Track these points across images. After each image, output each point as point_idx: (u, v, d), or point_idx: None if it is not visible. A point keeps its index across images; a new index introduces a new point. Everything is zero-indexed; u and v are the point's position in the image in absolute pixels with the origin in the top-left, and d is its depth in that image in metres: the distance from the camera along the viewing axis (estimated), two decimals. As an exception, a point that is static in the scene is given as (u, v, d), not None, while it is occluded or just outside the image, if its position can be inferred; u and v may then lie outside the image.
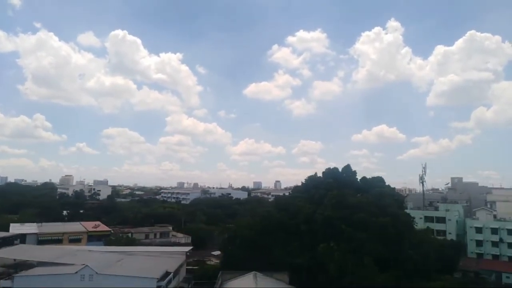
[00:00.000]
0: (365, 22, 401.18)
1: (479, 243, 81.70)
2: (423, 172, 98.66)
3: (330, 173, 50.54)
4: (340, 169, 51.72)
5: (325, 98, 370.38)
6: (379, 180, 51.55)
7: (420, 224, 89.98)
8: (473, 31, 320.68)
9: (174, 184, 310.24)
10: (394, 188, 55.47)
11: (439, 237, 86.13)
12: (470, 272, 75.16)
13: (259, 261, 41.93)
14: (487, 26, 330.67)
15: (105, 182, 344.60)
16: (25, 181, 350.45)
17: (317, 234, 41.07)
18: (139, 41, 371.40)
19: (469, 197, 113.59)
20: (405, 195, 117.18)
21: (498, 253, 78.96)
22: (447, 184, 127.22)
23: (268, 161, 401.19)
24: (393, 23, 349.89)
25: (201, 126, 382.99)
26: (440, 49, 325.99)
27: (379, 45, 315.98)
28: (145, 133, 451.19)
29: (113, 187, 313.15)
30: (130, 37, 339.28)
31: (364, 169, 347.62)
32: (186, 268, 53.52)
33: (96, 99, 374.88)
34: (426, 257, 67.42)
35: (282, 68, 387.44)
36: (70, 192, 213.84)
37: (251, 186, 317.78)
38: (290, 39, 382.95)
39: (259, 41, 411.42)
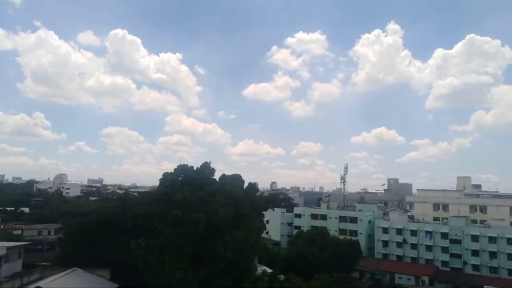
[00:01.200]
0: (365, 24, 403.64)
1: (385, 244, 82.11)
2: (345, 173, 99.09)
3: (181, 170, 50.54)
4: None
5: (325, 100, 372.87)
6: (236, 178, 51.56)
7: (335, 224, 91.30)
8: (472, 35, 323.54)
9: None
10: (254, 185, 55.35)
11: (351, 237, 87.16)
12: (367, 272, 75.70)
13: (88, 258, 42.05)
14: (487, 29, 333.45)
15: (99, 181, 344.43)
16: (20, 178, 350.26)
17: (139, 230, 41.14)
18: (139, 40, 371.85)
19: (401, 198, 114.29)
20: (327, 195, 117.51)
21: (402, 254, 79.42)
22: (383, 185, 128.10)
23: (268, 162, 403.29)
24: (392, 26, 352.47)
25: (200, 126, 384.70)
26: (439, 52, 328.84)
27: (379, 48, 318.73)
28: (145, 133, 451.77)
29: (104, 186, 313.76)
30: (130, 37, 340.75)
31: (363, 171, 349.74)
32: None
33: (96, 98, 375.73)
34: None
35: (281, 70, 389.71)
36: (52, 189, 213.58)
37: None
38: (290, 40, 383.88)
39: (258, 42, 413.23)
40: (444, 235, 74.95)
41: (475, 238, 72.00)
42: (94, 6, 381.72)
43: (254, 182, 55.99)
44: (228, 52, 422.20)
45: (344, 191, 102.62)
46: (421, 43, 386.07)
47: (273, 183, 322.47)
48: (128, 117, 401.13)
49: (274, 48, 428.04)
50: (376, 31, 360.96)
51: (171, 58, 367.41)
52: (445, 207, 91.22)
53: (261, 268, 65.56)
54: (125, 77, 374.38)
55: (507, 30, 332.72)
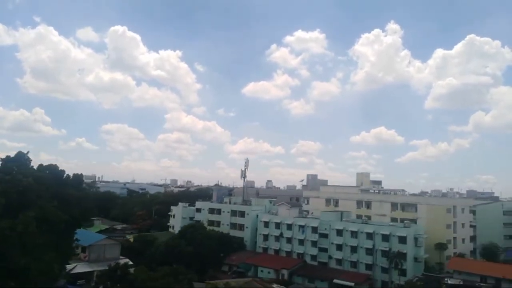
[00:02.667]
0: (365, 23, 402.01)
1: (266, 238, 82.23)
2: (245, 168, 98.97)
3: None
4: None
5: (324, 99, 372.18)
6: (53, 168, 51.03)
7: (227, 218, 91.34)
8: (472, 35, 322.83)
9: (172, 182, 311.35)
10: (79, 176, 54.60)
11: (240, 231, 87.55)
12: (234, 265, 75.75)
13: None
14: (487, 30, 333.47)
15: (93, 178, 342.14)
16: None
17: None
18: (138, 37, 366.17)
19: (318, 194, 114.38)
20: (231, 189, 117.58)
21: (279, 248, 79.55)
22: (301, 180, 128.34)
23: (267, 160, 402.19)
24: (392, 26, 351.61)
25: (200, 124, 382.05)
26: (439, 52, 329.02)
27: (378, 47, 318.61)
28: (144, 130, 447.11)
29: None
30: (130, 33, 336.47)
31: (362, 171, 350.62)
32: None
33: (95, 94, 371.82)
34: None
35: (280, 68, 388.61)
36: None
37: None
38: (289, 38, 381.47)
39: (258, 40, 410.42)
40: (314, 229, 75.18)
41: (339, 233, 72.32)
42: (94, 2, 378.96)
43: (80, 174, 55.21)
44: (228, 50, 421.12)
45: (244, 185, 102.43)
46: (421, 43, 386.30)
47: (269, 181, 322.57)
48: (128, 114, 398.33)
49: (274, 46, 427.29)
50: (376, 31, 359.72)
51: (171, 55, 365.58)
52: (336, 202, 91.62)
53: (124, 261, 65.66)
54: (125, 73, 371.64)
55: (508, 31, 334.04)
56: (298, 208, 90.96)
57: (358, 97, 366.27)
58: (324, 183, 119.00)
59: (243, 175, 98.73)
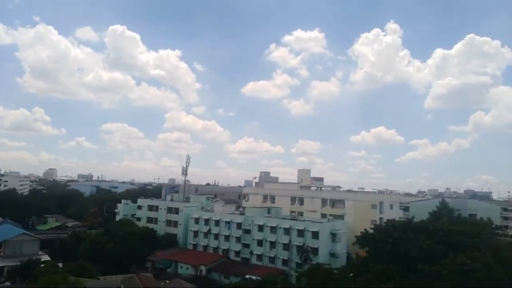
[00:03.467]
0: (364, 23, 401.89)
1: (196, 234, 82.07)
2: (187, 164, 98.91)
3: None
4: None
5: (324, 99, 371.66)
6: None
7: (163, 215, 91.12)
8: (472, 35, 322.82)
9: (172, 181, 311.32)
10: None
11: (175, 228, 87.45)
12: (157, 262, 75.55)
13: None
14: (487, 30, 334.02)
15: (89, 177, 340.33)
16: (18, 173, 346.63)
17: None
18: (138, 36, 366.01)
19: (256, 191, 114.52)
20: (174, 186, 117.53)
21: (207, 244, 79.41)
22: (254, 177, 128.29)
23: (267, 160, 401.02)
24: (392, 25, 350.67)
25: (199, 124, 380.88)
26: (439, 52, 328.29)
27: (378, 47, 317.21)
28: (144, 129, 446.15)
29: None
30: (129, 33, 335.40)
31: (363, 171, 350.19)
32: None
33: (95, 93, 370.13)
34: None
35: (280, 68, 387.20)
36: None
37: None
38: (288, 38, 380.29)
39: (257, 40, 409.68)
40: (239, 225, 75.16)
41: (261, 228, 72.33)
42: (93, 2, 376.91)
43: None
44: (227, 50, 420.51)
45: (185, 182, 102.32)
46: (420, 42, 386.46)
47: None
48: (128, 113, 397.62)
49: (273, 46, 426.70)
50: (376, 30, 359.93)
51: (170, 55, 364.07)
52: (273, 199, 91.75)
53: (40, 257, 65.46)
54: (124, 73, 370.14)
55: (507, 30, 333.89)
56: (235, 205, 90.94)
57: (357, 97, 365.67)
58: (275, 180, 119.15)
59: (184, 171, 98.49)
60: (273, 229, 70.74)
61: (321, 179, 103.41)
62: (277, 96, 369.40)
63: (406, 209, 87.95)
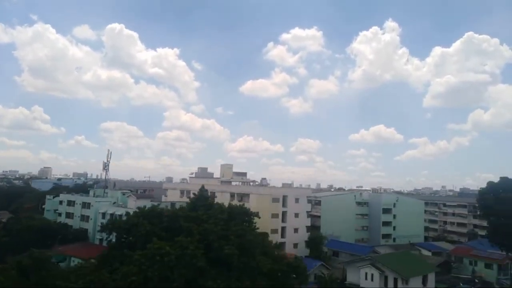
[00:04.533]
0: (362, 21, 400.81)
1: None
2: (108, 160, 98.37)
3: None
4: None
5: (322, 97, 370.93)
6: None
7: (79, 210, 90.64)
8: (471, 33, 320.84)
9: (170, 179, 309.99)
10: None
11: (87, 222, 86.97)
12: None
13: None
14: (486, 28, 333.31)
15: (84, 175, 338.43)
16: (17, 172, 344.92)
17: None
18: (136, 35, 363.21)
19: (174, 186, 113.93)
20: (96, 181, 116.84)
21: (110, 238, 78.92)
22: (192, 173, 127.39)
23: (267, 158, 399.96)
24: (390, 23, 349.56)
25: (199, 122, 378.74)
26: (437, 50, 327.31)
27: (376, 45, 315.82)
28: (143, 128, 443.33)
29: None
30: (127, 31, 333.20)
31: (363, 169, 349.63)
32: None
33: (93, 92, 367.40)
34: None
35: (278, 66, 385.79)
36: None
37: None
38: (286, 36, 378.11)
39: (255, 38, 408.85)
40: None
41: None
42: (90, 0, 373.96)
43: None
44: (225, 48, 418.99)
45: (106, 177, 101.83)
46: (419, 40, 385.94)
47: (263, 179, 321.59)
48: (127, 112, 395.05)
49: (270, 44, 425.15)
50: (374, 28, 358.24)
51: (169, 53, 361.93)
52: (188, 193, 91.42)
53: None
54: (123, 71, 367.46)
55: (507, 28, 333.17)
56: (150, 200, 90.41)
57: (356, 95, 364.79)
58: (210, 175, 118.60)
59: (105, 166, 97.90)
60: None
61: (244, 174, 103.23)
62: (276, 95, 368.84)
63: (318, 203, 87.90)
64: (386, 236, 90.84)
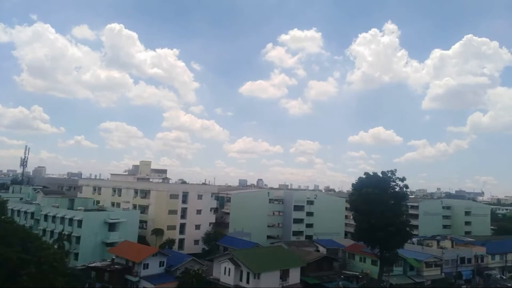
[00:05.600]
0: (361, 23, 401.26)
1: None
2: (26, 156, 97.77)
3: None
4: None
5: (321, 99, 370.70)
6: None
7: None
8: (470, 36, 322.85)
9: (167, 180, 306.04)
10: None
11: None
12: None
13: None
14: (485, 31, 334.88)
15: (79, 175, 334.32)
16: (15, 171, 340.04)
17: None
18: (135, 35, 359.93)
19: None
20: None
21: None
22: (125, 171, 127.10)
23: (266, 159, 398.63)
24: (390, 26, 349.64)
25: (198, 123, 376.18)
26: (436, 52, 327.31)
27: (376, 47, 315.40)
28: (143, 128, 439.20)
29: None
30: (126, 31, 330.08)
31: (362, 171, 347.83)
32: None
33: (93, 92, 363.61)
34: None
35: (277, 67, 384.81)
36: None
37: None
38: (284, 37, 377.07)
39: (254, 39, 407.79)
40: (32, 215, 74.57)
41: (46, 218, 71.63)
42: (90, 0, 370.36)
43: None
44: (224, 49, 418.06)
45: (23, 174, 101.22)
46: (418, 43, 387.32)
47: (259, 180, 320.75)
48: (126, 112, 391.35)
49: (269, 45, 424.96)
50: (373, 30, 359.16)
51: (168, 54, 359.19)
52: (99, 190, 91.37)
53: None
54: (122, 71, 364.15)
55: (506, 31, 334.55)
56: (61, 196, 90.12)
57: (355, 97, 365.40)
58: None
59: (23, 163, 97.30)
60: (53, 219, 70.14)
61: (164, 171, 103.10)
62: (275, 96, 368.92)
63: (229, 199, 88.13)
64: (298, 233, 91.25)
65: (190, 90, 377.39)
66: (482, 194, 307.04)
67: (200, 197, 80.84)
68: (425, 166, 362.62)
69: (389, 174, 58.04)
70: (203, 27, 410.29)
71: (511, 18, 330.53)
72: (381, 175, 58.15)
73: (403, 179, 58.34)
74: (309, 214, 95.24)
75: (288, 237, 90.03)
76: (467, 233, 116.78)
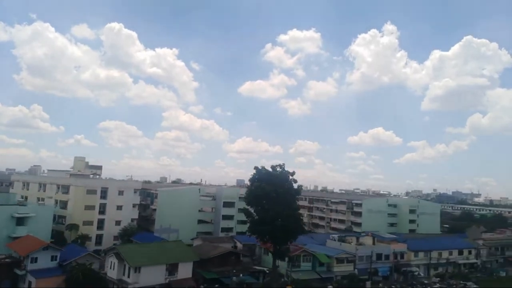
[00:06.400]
0: (361, 23, 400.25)
1: None
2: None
3: None
4: None
5: (321, 99, 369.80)
6: None
7: None
8: (469, 37, 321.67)
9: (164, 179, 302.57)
10: None
11: None
12: None
13: None
14: (485, 32, 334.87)
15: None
16: (14, 170, 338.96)
17: None
18: (135, 35, 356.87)
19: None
20: None
21: None
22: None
23: (266, 160, 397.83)
24: (389, 26, 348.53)
25: (198, 123, 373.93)
26: (436, 53, 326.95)
27: (375, 48, 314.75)
28: (143, 127, 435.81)
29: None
30: (126, 31, 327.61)
31: (361, 172, 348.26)
32: None
33: (92, 91, 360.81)
34: None
35: (276, 68, 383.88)
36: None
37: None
38: (283, 37, 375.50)
39: (253, 39, 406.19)
40: None
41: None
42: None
43: None
44: (223, 49, 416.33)
45: None
46: (417, 44, 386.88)
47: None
48: (126, 111, 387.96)
49: (268, 45, 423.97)
50: (373, 31, 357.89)
51: (167, 53, 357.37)
52: (28, 185, 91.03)
53: None
54: (121, 71, 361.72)
55: (505, 33, 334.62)
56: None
57: (355, 98, 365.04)
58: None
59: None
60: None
61: (99, 167, 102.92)
62: (274, 96, 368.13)
63: (156, 196, 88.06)
64: (228, 229, 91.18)
65: (189, 89, 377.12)
66: (478, 195, 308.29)
67: (121, 193, 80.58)
68: (425, 167, 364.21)
69: (278, 169, 58.10)
70: (202, 27, 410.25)
71: (510, 19, 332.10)
72: (271, 170, 58.16)
73: (292, 173, 58.47)
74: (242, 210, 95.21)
75: (217, 233, 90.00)
76: (412, 231, 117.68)
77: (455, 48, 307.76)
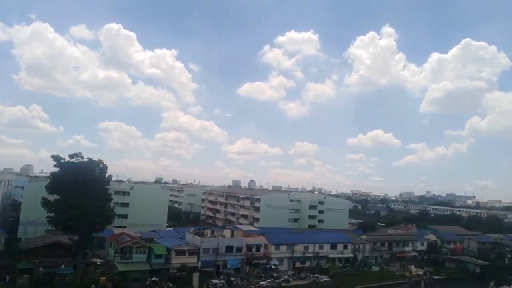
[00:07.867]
0: (359, 26, 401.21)
1: None
2: None
3: None
4: None
5: (319, 101, 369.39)
6: None
7: None
8: (468, 40, 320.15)
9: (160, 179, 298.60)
10: None
11: None
12: None
13: None
14: (483, 35, 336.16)
15: None
16: (12, 170, 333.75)
17: None
18: (133, 35, 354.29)
19: None
20: None
21: None
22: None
23: (265, 161, 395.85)
24: (387, 29, 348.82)
25: (197, 124, 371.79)
26: (434, 56, 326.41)
27: (373, 50, 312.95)
28: (142, 128, 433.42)
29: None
30: (125, 32, 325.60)
31: (361, 173, 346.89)
32: None
33: (91, 91, 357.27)
34: None
35: (275, 69, 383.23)
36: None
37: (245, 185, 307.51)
38: (281, 39, 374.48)
39: (251, 40, 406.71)
40: None
41: None
42: (88, 0, 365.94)
43: None
44: (222, 50, 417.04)
45: None
46: (416, 46, 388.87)
47: (252, 181, 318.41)
48: (125, 112, 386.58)
49: (267, 47, 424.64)
50: (371, 34, 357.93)
51: (166, 54, 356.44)
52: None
53: None
54: (120, 71, 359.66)
55: (504, 36, 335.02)
56: None
57: (353, 100, 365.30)
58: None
59: None
60: None
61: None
62: (273, 98, 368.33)
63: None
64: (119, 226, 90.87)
65: (188, 90, 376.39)
66: (473, 197, 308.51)
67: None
68: (425, 170, 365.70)
69: (79, 159, 58.06)
70: (201, 28, 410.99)
71: (509, 22, 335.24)
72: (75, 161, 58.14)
73: (99, 162, 58.53)
74: (124, 205, 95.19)
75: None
76: (311, 226, 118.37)
77: (454, 50, 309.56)
